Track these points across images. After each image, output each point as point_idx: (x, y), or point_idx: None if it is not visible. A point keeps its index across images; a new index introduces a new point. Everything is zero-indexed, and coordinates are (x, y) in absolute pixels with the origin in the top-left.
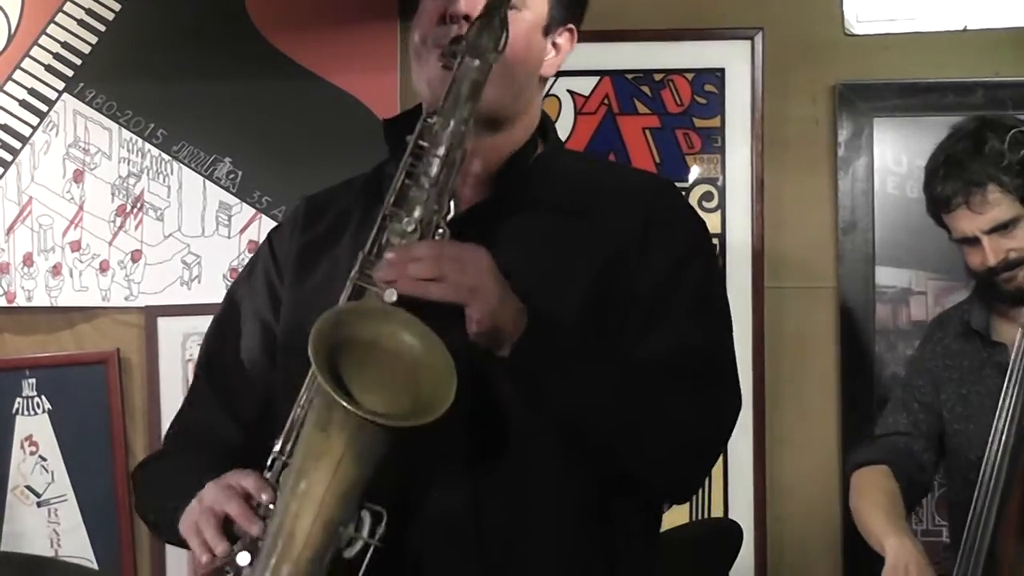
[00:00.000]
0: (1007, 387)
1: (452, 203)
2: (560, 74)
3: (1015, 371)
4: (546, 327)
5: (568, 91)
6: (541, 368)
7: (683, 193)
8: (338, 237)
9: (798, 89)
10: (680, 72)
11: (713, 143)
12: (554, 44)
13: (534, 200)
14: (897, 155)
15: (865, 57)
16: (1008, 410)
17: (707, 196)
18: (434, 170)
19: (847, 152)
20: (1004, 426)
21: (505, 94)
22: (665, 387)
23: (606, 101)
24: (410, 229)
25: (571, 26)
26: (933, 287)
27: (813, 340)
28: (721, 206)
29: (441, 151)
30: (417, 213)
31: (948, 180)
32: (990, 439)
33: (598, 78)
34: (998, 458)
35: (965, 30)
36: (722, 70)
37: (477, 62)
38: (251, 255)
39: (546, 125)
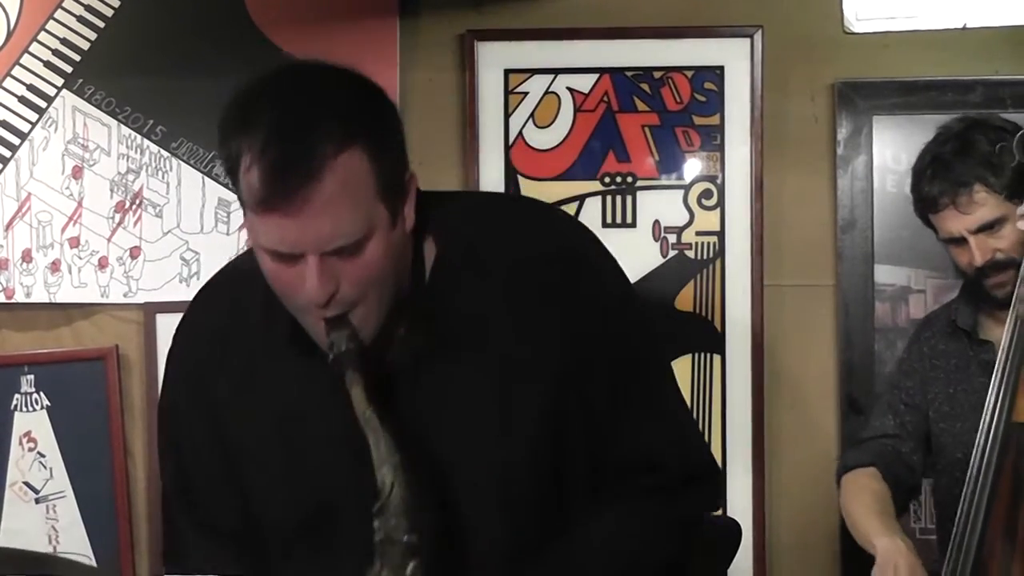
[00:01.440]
0: (994, 384)
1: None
2: (560, 71)
3: (1003, 368)
4: None
5: (567, 88)
6: None
7: (575, 225)
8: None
9: (797, 87)
10: (680, 70)
11: (712, 141)
12: (403, 205)
13: (452, 327)
14: (896, 153)
15: (865, 55)
16: (995, 407)
17: (706, 194)
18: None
19: (846, 150)
20: (991, 423)
21: (390, 301)
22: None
23: (605, 98)
24: None
25: (410, 173)
26: (932, 285)
27: (812, 338)
28: (720, 204)
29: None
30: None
31: (935, 180)
32: (978, 437)
33: (598, 75)
34: (986, 456)
35: (964, 29)
36: (722, 68)
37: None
38: None
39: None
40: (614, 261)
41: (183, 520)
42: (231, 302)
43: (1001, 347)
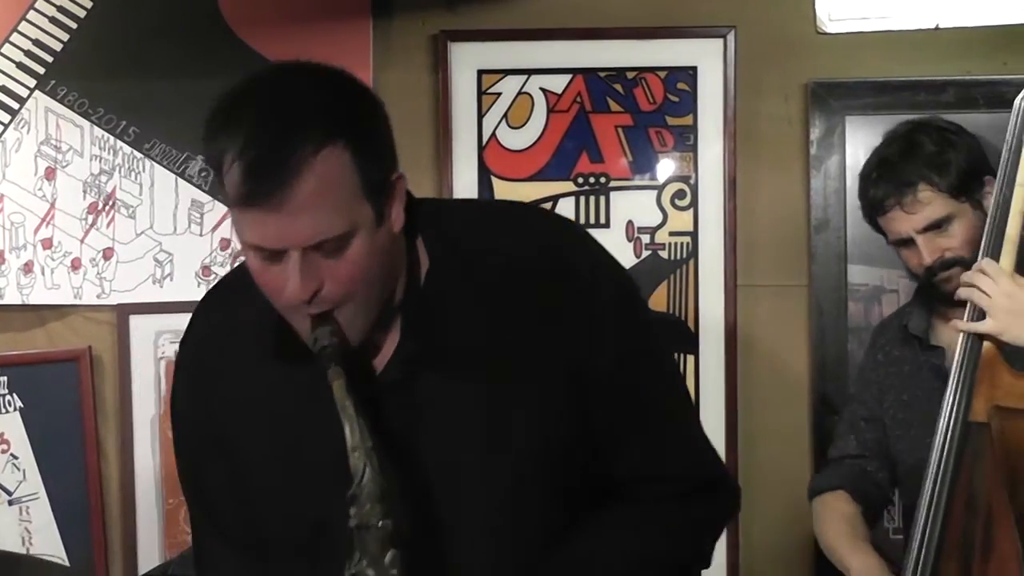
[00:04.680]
0: (951, 385)
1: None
2: (533, 72)
3: (959, 369)
4: None
5: (540, 89)
6: None
7: (577, 231)
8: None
9: (770, 87)
10: (653, 70)
11: (686, 141)
12: (390, 204)
13: (447, 339)
14: (869, 153)
15: (837, 55)
16: (952, 409)
17: (680, 194)
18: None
19: (819, 150)
20: (949, 425)
21: (379, 304)
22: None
23: (579, 99)
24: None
25: (397, 173)
26: (905, 285)
27: (786, 338)
28: (694, 204)
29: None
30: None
31: (880, 182)
32: (935, 439)
33: (571, 76)
34: (943, 458)
35: (937, 29)
36: (695, 68)
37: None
38: (223, 253)
39: (416, 218)
40: (621, 269)
41: (201, 529)
42: (232, 310)
43: (958, 347)
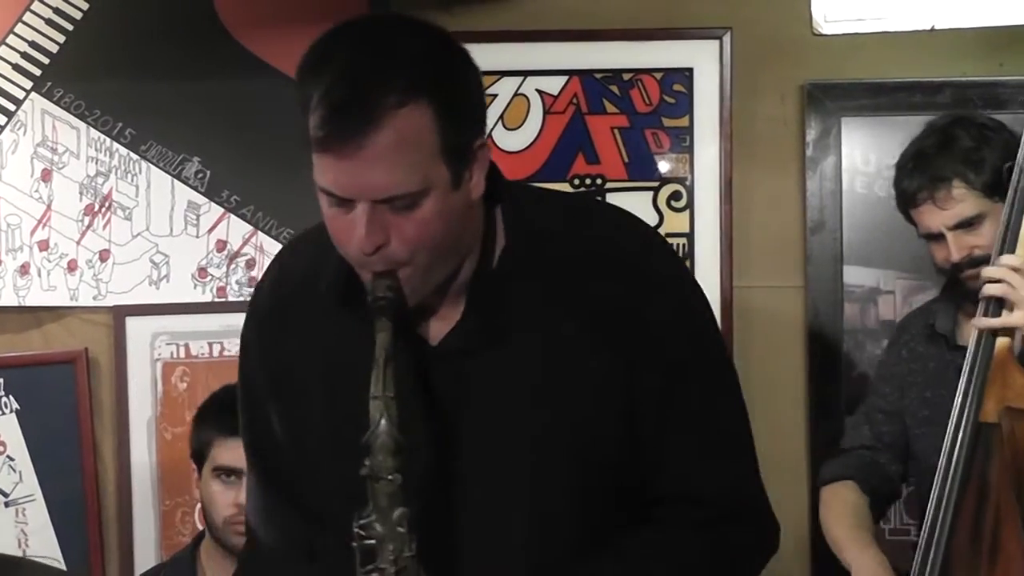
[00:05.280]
0: (962, 385)
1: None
2: (529, 73)
3: (971, 369)
4: None
5: (537, 90)
6: None
7: (665, 243)
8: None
9: (766, 89)
10: (649, 72)
11: (682, 143)
12: (469, 170)
13: (510, 321)
14: (865, 154)
15: (833, 57)
16: (964, 409)
17: (675, 195)
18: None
19: (815, 151)
20: (960, 425)
21: (444, 271)
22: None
23: (575, 101)
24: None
25: (481, 140)
26: (901, 286)
27: (781, 339)
28: (689, 205)
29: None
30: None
31: (915, 175)
32: (945, 439)
33: (567, 77)
34: (954, 458)
35: (933, 30)
36: (691, 70)
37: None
38: (219, 255)
39: (499, 191)
40: (693, 282)
41: (257, 477)
42: (307, 258)
43: (969, 347)
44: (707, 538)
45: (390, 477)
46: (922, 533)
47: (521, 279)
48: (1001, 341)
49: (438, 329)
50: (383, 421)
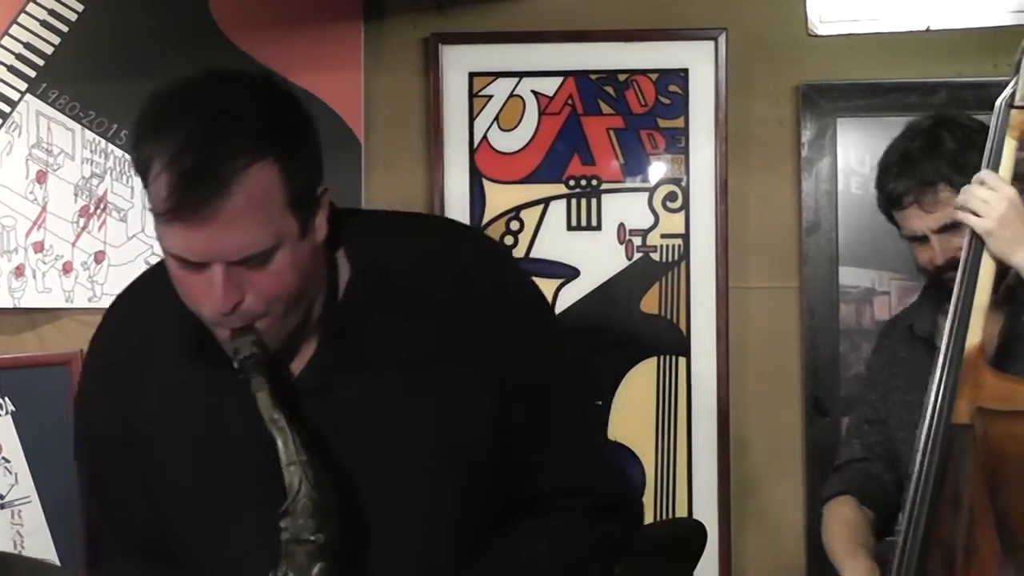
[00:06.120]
0: (933, 386)
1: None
2: (524, 74)
3: (942, 370)
4: None
5: (532, 91)
6: None
7: (492, 244)
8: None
9: (762, 90)
10: (644, 73)
11: (677, 143)
12: (315, 217)
13: (366, 348)
14: (860, 155)
15: (828, 58)
16: (935, 410)
17: (671, 196)
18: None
19: (811, 152)
20: (932, 427)
21: (298, 316)
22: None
23: (570, 101)
24: None
25: (322, 188)
26: (896, 287)
27: (777, 340)
28: (685, 206)
29: None
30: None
31: (901, 178)
32: (917, 441)
33: (562, 78)
34: (926, 460)
35: (928, 31)
36: (686, 71)
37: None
38: None
39: (339, 229)
40: (533, 284)
41: (104, 528)
42: (146, 310)
43: (941, 349)
44: (585, 521)
45: (312, 538)
46: (897, 535)
47: (370, 306)
48: (972, 342)
49: (298, 366)
50: (303, 486)
